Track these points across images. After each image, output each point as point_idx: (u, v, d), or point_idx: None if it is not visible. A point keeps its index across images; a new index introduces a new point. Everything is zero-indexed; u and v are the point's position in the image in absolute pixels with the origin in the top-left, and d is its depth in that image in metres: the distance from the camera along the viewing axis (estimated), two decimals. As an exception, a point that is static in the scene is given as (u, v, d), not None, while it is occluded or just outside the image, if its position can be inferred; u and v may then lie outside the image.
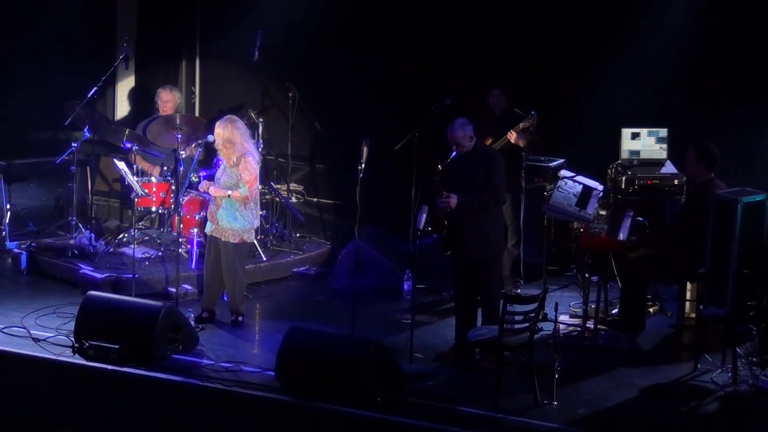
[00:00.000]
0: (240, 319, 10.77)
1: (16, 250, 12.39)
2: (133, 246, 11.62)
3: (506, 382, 9.11)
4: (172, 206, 11.94)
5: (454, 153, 9.90)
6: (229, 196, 10.56)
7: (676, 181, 11.34)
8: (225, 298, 10.96)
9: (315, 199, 14.18)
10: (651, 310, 11.04)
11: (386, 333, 10.45)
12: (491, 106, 11.79)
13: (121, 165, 12.07)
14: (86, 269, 11.66)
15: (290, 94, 13.31)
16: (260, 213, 12.50)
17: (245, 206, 10.67)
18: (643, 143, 11.93)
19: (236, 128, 10.62)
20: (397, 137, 11.15)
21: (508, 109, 11.74)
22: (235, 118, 10.74)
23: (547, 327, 10.12)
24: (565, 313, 11.01)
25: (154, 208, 12.25)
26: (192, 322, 10.41)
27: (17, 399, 9.72)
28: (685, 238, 10.24)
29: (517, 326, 9.12)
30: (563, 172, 11.22)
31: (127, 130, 12.60)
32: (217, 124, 10.65)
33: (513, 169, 11.09)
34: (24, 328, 10.34)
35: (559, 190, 10.93)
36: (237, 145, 10.59)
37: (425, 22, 13.48)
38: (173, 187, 12.08)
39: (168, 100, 12.84)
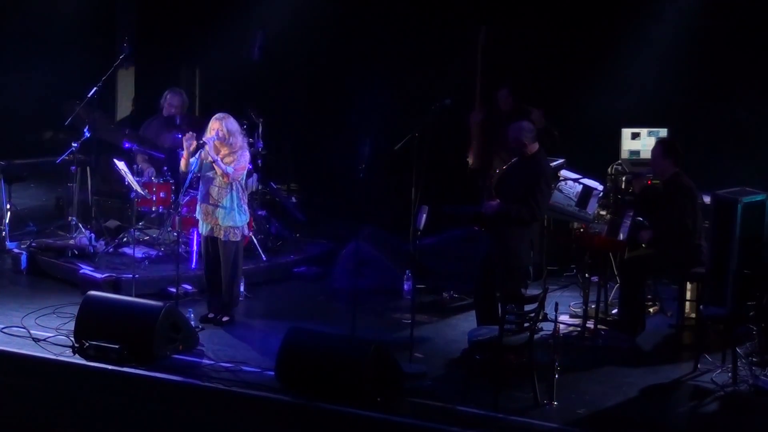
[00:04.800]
0: (225, 319, 10.74)
1: (16, 250, 12.38)
2: (133, 246, 11.62)
3: (506, 382, 9.11)
4: (172, 206, 11.94)
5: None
6: (213, 162, 10.42)
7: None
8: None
9: (315, 199, 14.18)
10: (651, 310, 11.05)
11: (386, 333, 10.45)
12: (499, 106, 11.74)
13: (121, 165, 12.06)
14: (86, 269, 11.65)
15: (290, 94, 13.32)
16: (260, 213, 12.58)
17: (244, 201, 10.66)
18: (643, 143, 11.95)
19: (233, 122, 10.62)
20: (397, 137, 11.16)
21: (517, 108, 11.62)
22: (228, 114, 10.74)
23: (547, 327, 10.13)
24: (565, 313, 11.01)
25: (154, 208, 12.25)
26: (193, 322, 10.41)
27: (17, 399, 9.71)
28: (679, 234, 10.26)
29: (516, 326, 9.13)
30: (564, 173, 11.22)
31: (127, 130, 12.58)
32: (214, 120, 10.55)
33: None
34: (24, 328, 10.33)
35: (559, 190, 10.94)
36: (234, 139, 10.56)
37: (426, 21, 13.49)
38: (173, 187, 12.07)
39: (177, 105, 12.76)
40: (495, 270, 10.02)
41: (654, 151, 10.61)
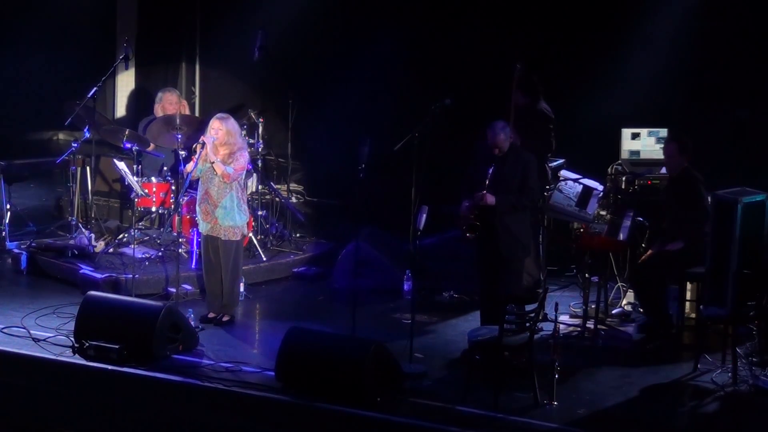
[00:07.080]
0: (225, 319, 10.73)
1: (16, 250, 12.37)
2: (133, 246, 11.62)
3: (506, 382, 9.11)
4: (172, 206, 11.94)
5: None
6: (212, 163, 10.45)
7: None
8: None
9: (315, 199, 14.17)
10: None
11: (386, 333, 10.44)
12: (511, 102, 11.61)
13: (121, 165, 12.07)
14: (86, 269, 11.65)
15: (290, 94, 13.32)
16: (260, 213, 12.59)
17: (243, 200, 10.67)
18: (643, 143, 11.95)
19: (234, 123, 10.64)
20: (397, 137, 11.15)
21: (529, 104, 11.48)
22: (228, 115, 10.76)
23: (547, 327, 10.13)
24: (565, 313, 11.01)
25: (154, 208, 12.24)
26: (193, 322, 10.41)
27: (17, 399, 9.72)
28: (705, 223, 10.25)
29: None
30: (564, 173, 11.21)
31: (127, 130, 12.59)
32: (215, 120, 10.56)
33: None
34: (24, 328, 10.33)
35: (559, 190, 10.94)
36: (234, 140, 10.57)
37: (425, 21, 13.49)
38: (173, 187, 12.08)
39: (174, 102, 12.75)
40: (497, 267, 10.00)
41: (670, 149, 10.56)
